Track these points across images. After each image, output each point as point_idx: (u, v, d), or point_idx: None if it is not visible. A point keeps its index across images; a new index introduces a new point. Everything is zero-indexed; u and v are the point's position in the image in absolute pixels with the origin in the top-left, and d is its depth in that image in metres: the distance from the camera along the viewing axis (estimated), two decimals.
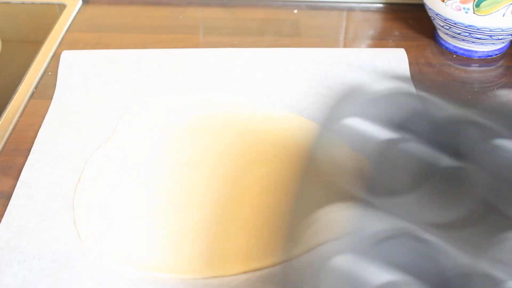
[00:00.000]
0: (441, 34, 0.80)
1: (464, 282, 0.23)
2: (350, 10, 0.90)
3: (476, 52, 0.78)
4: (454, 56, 0.79)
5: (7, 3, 0.91)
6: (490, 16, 0.70)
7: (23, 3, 0.91)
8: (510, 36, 0.74)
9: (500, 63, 0.78)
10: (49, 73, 0.75)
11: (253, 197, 0.57)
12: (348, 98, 0.30)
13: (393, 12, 0.89)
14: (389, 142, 0.28)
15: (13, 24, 0.89)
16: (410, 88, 0.30)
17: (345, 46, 0.82)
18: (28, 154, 0.62)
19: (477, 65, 0.77)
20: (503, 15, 0.70)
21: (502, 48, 0.78)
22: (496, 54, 0.78)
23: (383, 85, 0.30)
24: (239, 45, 0.78)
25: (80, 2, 0.90)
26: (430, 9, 0.76)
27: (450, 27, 0.75)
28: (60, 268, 0.50)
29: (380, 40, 0.84)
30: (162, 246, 0.52)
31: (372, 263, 0.24)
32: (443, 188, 0.27)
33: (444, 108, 0.27)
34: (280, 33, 0.84)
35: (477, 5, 0.70)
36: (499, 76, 0.77)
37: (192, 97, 0.70)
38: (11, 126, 0.67)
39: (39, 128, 0.65)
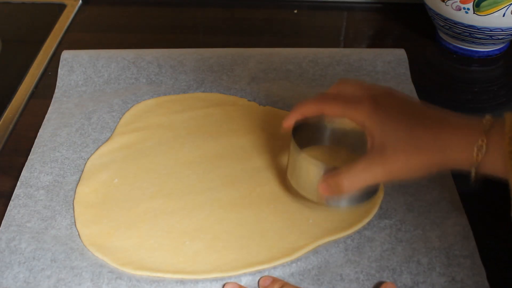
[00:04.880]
0: (441, 34, 0.80)
1: None
2: (350, 10, 0.90)
3: (476, 52, 0.77)
4: (454, 56, 0.79)
5: (7, 3, 0.91)
6: (490, 16, 0.70)
7: (23, 3, 0.91)
8: (510, 36, 0.74)
9: (500, 63, 0.78)
10: (49, 73, 0.75)
11: (254, 196, 0.57)
12: None
13: (393, 12, 0.89)
14: None
15: (13, 24, 0.89)
16: None
17: (345, 46, 0.82)
18: (28, 154, 0.62)
19: (477, 65, 0.77)
20: (503, 15, 0.70)
21: (502, 48, 0.78)
22: (496, 54, 0.78)
23: None
24: (239, 45, 0.78)
25: (80, 2, 0.90)
26: (430, 9, 0.76)
27: (450, 27, 0.75)
28: (60, 269, 0.50)
29: (380, 40, 0.84)
30: (162, 246, 0.52)
31: None
32: None
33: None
34: (280, 33, 0.84)
35: (477, 5, 0.70)
36: (499, 76, 0.77)
37: (192, 97, 0.70)
38: (11, 126, 0.67)
39: (39, 128, 0.65)
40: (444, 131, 0.45)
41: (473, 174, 0.44)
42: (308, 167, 0.51)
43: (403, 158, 0.45)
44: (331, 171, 0.49)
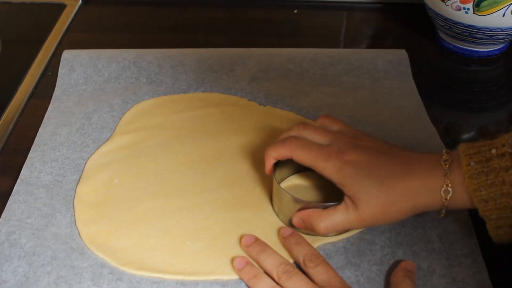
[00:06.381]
0: (441, 34, 0.80)
1: None
2: (350, 10, 0.90)
3: (476, 52, 0.78)
4: (454, 56, 0.79)
5: (7, 3, 0.91)
6: (490, 16, 0.70)
7: (23, 3, 0.91)
8: (510, 36, 0.74)
9: (500, 63, 0.78)
10: (49, 73, 0.75)
11: (254, 196, 0.57)
12: None
13: (393, 12, 0.89)
14: None
15: (13, 24, 0.89)
16: None
17: (345, 46, 0.82)
18: (28, 154, 0.62)
19: (477, 65, 0.77)
20: (503, 15, 0.70)
21: (502, 48, 0.78)
22: (496, 54, 0.78)
23: None
24: (239, 45, 0.78)
25: (80, 2, 0.90)
26: (430, 9, 0.76)
27: (450, 27, 0.75)
28: (60, 266, 0.50)
29: (380, 40, 0.84)
30: (162, 246, 0.52)
31: None
32: None
33: None
34: (280, 33, 0.84)
35: (477, 5, 0.70)
36: (499, 76, 0.77)
37: (192, 97, 0.70)
38: (11, 126, 0.67)
39: (39, 128, 0.65)
40: (412, 182, 0.48)
41: (443, 214, 0.48)
42: (289, 202, 0.52)
43: (377, 209, 0.48)
44: (308, 207, 0.51)
